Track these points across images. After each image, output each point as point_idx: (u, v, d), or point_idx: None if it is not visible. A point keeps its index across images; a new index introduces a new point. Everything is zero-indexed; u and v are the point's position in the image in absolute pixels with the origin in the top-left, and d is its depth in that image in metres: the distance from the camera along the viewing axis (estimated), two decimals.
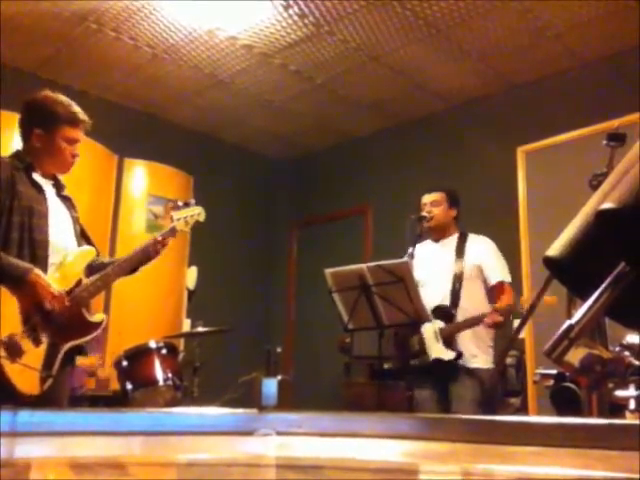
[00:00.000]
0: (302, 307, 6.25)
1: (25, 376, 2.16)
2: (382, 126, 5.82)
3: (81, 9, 4.17)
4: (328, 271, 3.09)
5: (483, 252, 3.35)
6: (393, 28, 4.30)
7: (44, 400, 2.17)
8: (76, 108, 2.44)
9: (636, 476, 0.78)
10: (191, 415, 1.21)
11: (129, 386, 3.31)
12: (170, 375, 3.34)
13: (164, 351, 3.43)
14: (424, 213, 3.40)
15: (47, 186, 2.43)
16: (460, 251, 3.34)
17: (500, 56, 4.63)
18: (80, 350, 2.41)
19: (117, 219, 4.85)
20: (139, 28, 4.39)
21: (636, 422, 1.06)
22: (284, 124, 5.91)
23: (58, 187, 2.49)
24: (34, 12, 4.20)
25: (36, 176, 2.39)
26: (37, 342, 2.22)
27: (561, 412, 1.41)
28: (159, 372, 3.34)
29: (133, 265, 2.52)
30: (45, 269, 2.27)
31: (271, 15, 4.19)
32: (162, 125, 5.73)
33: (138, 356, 3.40)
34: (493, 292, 3.28)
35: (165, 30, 4.41)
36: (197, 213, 2.75)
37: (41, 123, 2.39)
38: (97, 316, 2.42)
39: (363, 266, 3.05)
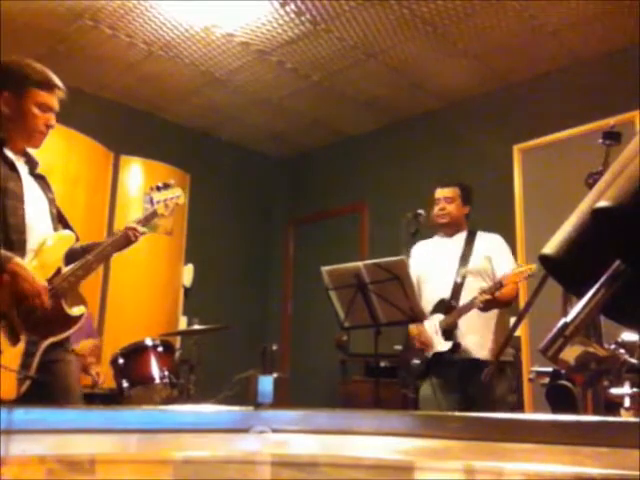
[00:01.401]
0: (298, 305, 6.26)
1: (2, 378, 1.93)
2: (379, 124, 5.82)
3: (77, 6, 4.16)
4: (324, 269, 3.09)
5: (494, 245, 3.34)
6: (390, 26, 4.30)
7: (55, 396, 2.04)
8: (50, 72, 2.22)
9: (630, 473, 0.78)
10: (187, 413, 1.21)
11: (125, 384, 3.31)
12: (166, 373, 3.34)
13: (160, 349, 3.43)
14: (437, 209, 3.38)
15: (19, 163, 2.19)
16: (469, 247, 3.33)
17: (497, 54, 4.64)
18: (63, 344, 2.19)
19: (113, 217, 4.84)
20: (135, 25, 4.38)
21: (630, 419, 1.07)
22: (281, 122, 5.91)
23: (31, 165, 2.25)
24: (29, 9, 4.18)
25: (7, 152, 2.15)
26: (15, 340, 2.01)
27: (556, 410, 1.41)
28: (155, 370, 3.35)
29: (114, 251, 2.30)
30: (22, 255, 2.06)
31: (268, 12, 4.18)
32: (158, 122, 5.72)
33: (134, 354, 3.40)
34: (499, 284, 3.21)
35: (161, 27, 4.40)
36: (177, 196, 2.49)
37: (10, 85, 2.15)
38: (77, 309, 2.19)
39: (359, 264, 3.05)
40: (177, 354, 3.81)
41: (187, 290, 5.48)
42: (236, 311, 5.60)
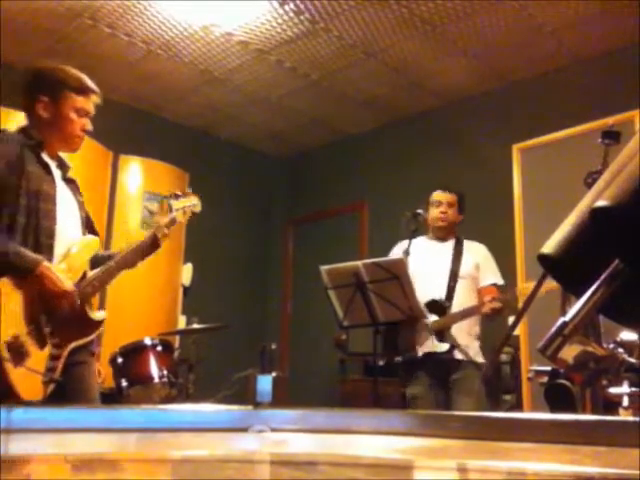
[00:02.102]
0: (298, 304, 6.26)
1: (29, 381, 1.95)
2: (378, 123, 5.82)
3: (76, 5, 4.15)
4: (323, 268, 3.09)
5: (480, 254, 3.43)
6: (389, 25, 4.30)
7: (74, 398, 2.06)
8: (85, 77, 2.25)
9: (628, 472, 0.78)
10: (186, 412, 1.21)
11: (124, 383, 3.30)
12: (165, 372, 3.34)
13: (159, 348, 3.43)
14: (438, 211, 3.41)
15: (53, 167, 2.22)
16: (458, 252, 3.40)
17: (496, 53, 4.64)
18: (87, 347, 2.22)
19: (112, 216, 4.84)
20: (134, 24, 4.37)
21: (629, 418, 1.07)
22: (280, 121, 5.91)
23: (63, 169, 2.28)
24: (29, 8, 4.18)
25: (44, 155, 2.19)
26: (42, 343, 2.03)
27: (555, 409, 1.41)
28: (154, 369, 3.34)
29: (137, 257, 2.34)
30: (50, 258, 2.08)
31: (267, 11, 4.18)
32: (157, 121, 5.72)
33: (133, 353, 3.39)
34: (483, 293, 3.32)
35: (160, 26, 4.40)
36: (194, 204, 2.57)
37: (48, 90, 2.18)
38: (99, 314, 2.23)
39: (358, 263, 3.06)
40: (176, 353, 3.81)
41: (186, 289, 5.48)
42: (235, 310, 5.61)
